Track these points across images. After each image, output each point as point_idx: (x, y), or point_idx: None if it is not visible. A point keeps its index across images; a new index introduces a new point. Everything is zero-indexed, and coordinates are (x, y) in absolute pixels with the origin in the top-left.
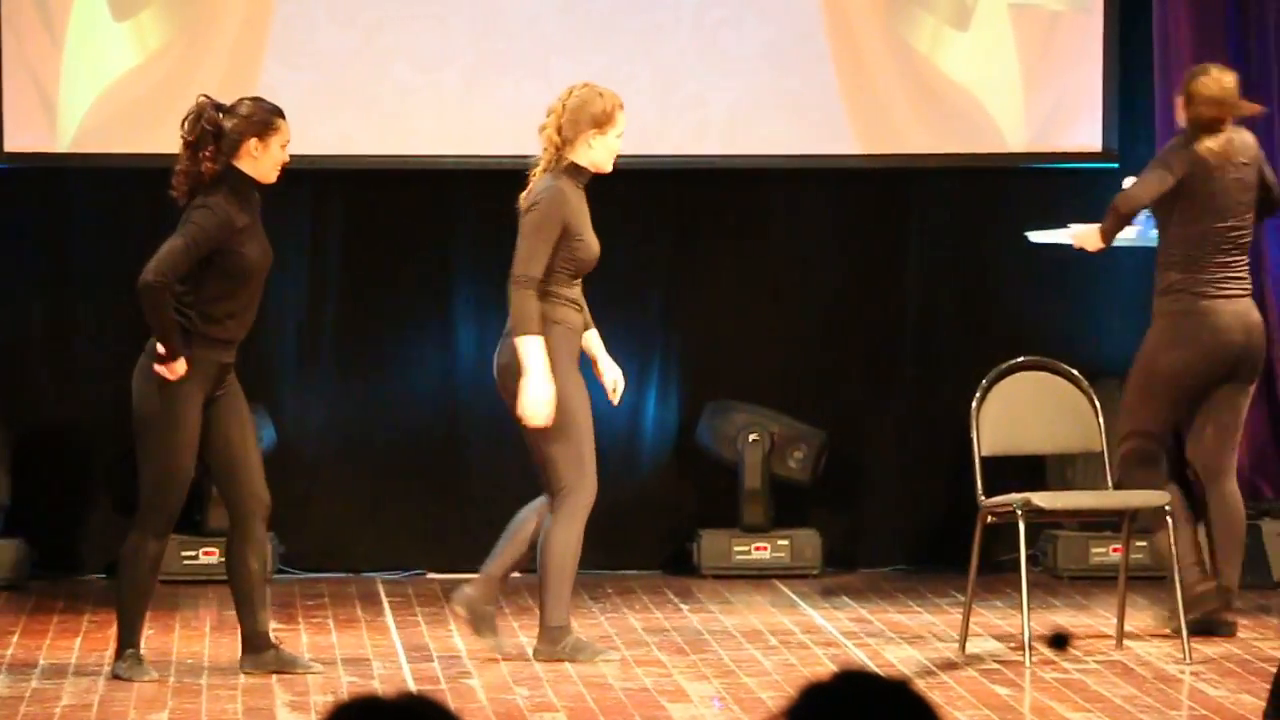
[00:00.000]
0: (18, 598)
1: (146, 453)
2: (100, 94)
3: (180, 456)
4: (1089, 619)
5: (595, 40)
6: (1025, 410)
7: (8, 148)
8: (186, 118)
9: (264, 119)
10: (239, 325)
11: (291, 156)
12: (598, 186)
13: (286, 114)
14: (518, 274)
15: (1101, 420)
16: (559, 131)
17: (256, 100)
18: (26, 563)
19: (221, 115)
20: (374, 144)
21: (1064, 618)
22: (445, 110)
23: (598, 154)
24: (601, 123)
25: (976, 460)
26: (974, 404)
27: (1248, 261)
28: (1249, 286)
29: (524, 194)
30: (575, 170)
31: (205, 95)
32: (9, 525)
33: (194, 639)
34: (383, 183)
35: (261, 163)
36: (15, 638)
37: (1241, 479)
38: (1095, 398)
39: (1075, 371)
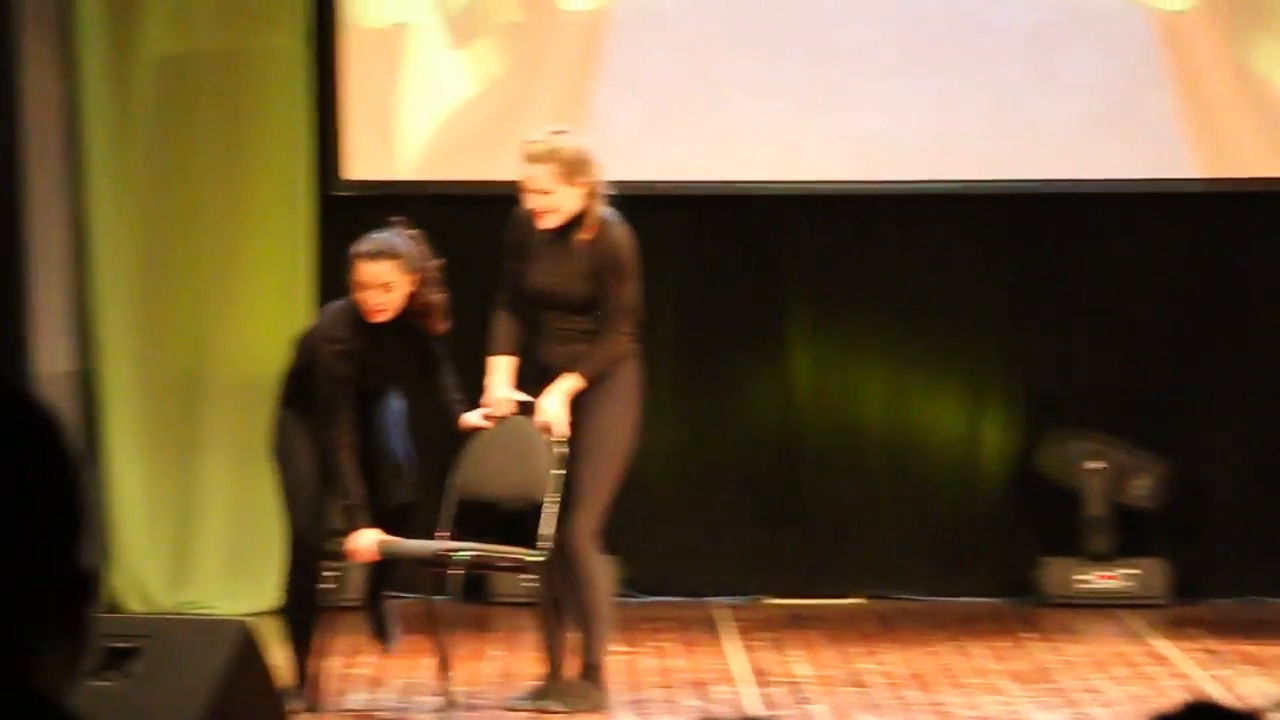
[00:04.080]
0: None
1: None
2: (438, 123)
3: None
4: None
5: (928, 66)
6: None
7: (348, 176)
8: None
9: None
10: None
11: (623, 183)
12: (933, 211)
13: (618, 141)
14: None
15: None
16: None
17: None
18: None
19: None
20: (705, 170)
21: None
22: (777, 137)
23: None
24: None
25: None
26: None
27: None
28: None
29: None
30: None
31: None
32: None
33: None
34: (715, 208)
35: None
36: None
37: None
38: None
39: None
